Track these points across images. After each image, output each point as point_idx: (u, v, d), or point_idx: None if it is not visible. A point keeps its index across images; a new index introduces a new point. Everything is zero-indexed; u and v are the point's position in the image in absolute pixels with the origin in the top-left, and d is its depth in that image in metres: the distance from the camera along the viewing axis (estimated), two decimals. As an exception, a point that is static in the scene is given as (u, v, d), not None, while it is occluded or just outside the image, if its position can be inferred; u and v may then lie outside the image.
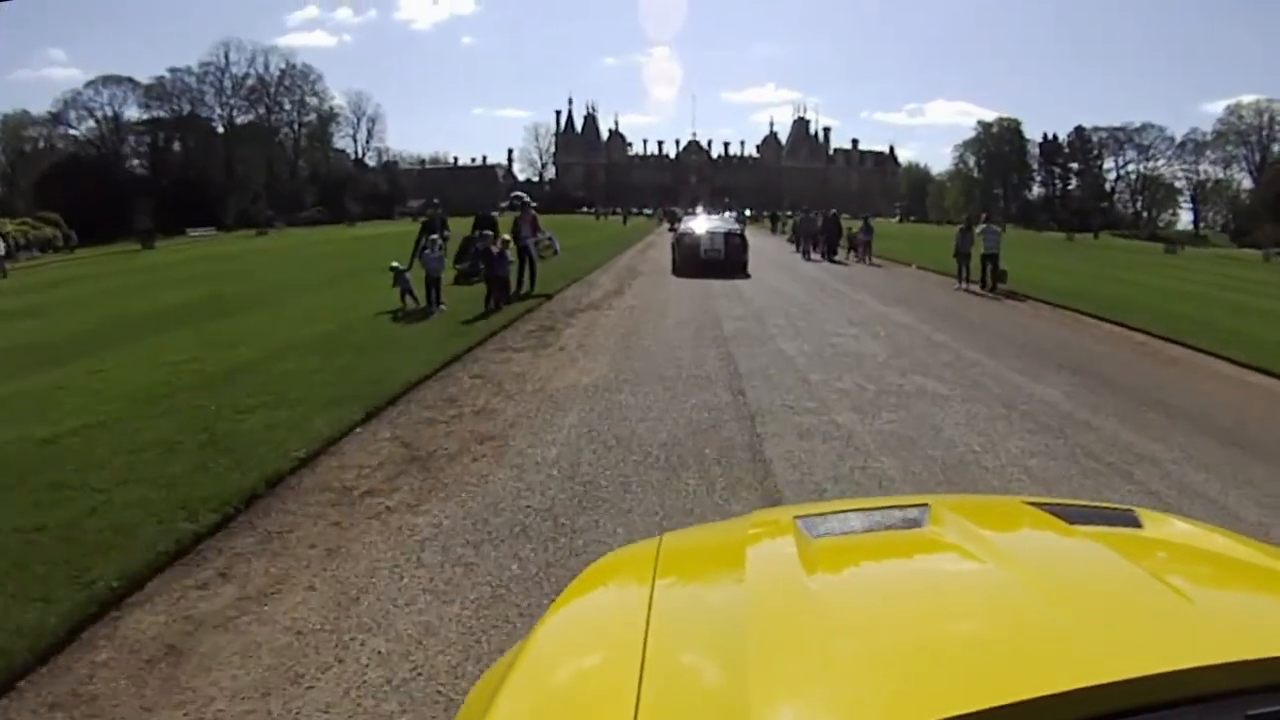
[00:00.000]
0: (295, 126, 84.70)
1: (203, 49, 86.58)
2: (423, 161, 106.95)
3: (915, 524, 1.22)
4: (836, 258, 27.38)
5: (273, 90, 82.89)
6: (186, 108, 77.48)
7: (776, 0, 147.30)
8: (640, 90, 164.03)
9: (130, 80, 73.78)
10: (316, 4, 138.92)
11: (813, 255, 28.09)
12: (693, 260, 19.88)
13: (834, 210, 30.09)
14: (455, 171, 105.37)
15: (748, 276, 19.70)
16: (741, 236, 21.49)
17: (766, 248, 32.68)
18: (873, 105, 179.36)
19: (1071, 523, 1.18)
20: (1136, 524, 1.25)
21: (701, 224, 23.04)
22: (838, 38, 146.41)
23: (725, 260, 19.93)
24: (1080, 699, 0.70)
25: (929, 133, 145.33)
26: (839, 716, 0.76)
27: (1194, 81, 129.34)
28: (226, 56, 79.87)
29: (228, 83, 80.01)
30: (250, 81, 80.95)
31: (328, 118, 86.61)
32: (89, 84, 73.70)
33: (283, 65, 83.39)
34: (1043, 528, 1.20)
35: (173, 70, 77.27)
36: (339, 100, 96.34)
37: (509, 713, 0.90)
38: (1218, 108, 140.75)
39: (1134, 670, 0.72)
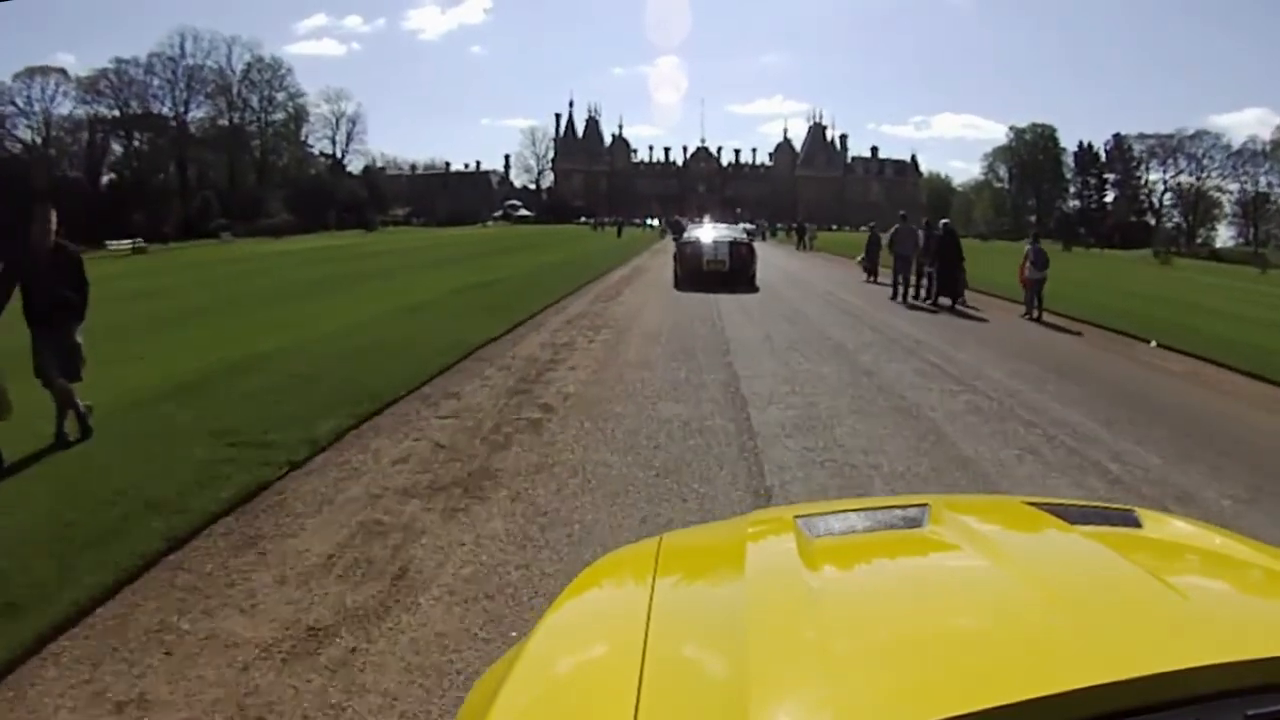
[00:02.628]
0: (262, 125, 71.92)
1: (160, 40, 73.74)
2: (413, 167, 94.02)
3: (915, 523, 1.15)
4: (952, 301, 14.31)
5: (236, 85, 70.14)
6: (134, 103, 64.91)
7: (784, 11, 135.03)
8: (647, 100, 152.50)
9: (62, 71, 61.27)
10: (325, 12, 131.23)
11: (909, 296, 15.03)
12: (695, 271, 16.55)
13: (947, 221, 16.02)
14: (446, 178, 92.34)
15: (755, 290, 16.12)
16: (749, 246, 18.12)
17: (823, 280, 19.22)
18: (879, 118, 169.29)
19: (1071, 523, 1.12)
20: (1136, 524, 1.18)
21: (707, 233, 19.32)
22: (845, 49, 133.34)
23: (730, 271, 16.65)
24: (1080, 699, 0.66)
25: (936, 145, 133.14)
26: (839, 716, 0.71)
27: (1201, 94, 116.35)
28: (182, 47, 67.25)
29: (182, 76, 67.29)
30: (208, 74, 68.27)
31: (296, 116, 73.71)
32: (17, 76, 60.81)
33: (248, 58, 70.70)
34: (1043, 528, 1.14)
35: (118, 61, 64.65)
36: (315, 98, 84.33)
37: (510, 711, 0.85)
38: (1226, 120, 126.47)
39: (1134, 670, 0.69)
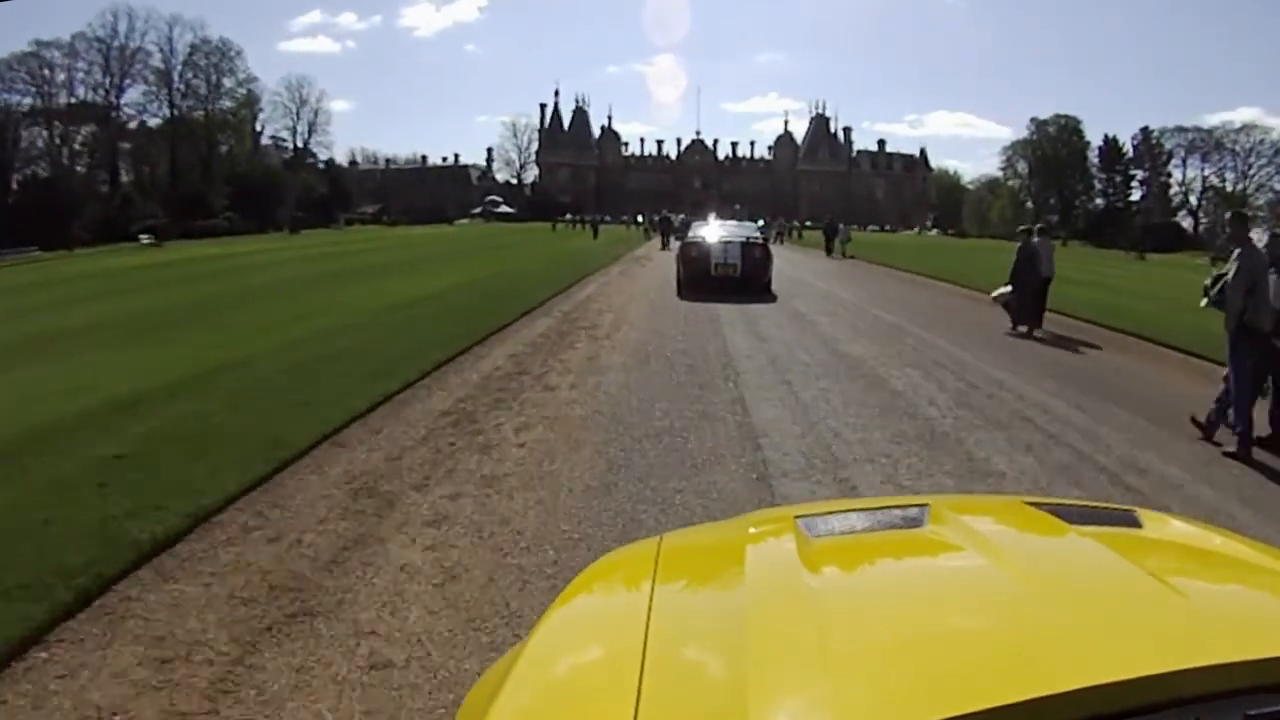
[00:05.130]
0: (208, 115, 62.01)
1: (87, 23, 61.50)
2: (388, 161, 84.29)
3: (915, 523, 1.10)
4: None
5: (178, 70, 60.35)
6: (57, 92, 55.24)
7: (779, 9, 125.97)
8: (642, 98, 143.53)
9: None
10: (321, 9, 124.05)
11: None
12: (703, 276, 13.75)
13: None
14: (423, 172, 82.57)
15: (773, 299, 12.90)
16: (763, 247, 14.80)
17: (952, 338, 7.53)
18: (874, 116, 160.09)
19: (1071, 523, 1.07)
20: (1136, 524, 1.13)
21: (713, 232, 15.46)
22: (840, 47, 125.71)
23: (742, 277, 13.78)
24: (1080, 699, 0.64)
25: (931, 144, 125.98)
26: (839, 716, 0.69)
27: (1195, 94, 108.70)
28: (115, 27, 57.49)
29: (114, 60, 57.51)
30: (145, 58, 58.45)
31: (249, 104, 63.91)
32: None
33: (191, 39, 60.88)
34: (1043, 528, 1.10)
35: (38, 44, 55.01)
36: (272, 85, 75.03)
37: (510, 711, 0.82)
38: (1218, 120, 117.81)
39: (1134, 670, 0.67)
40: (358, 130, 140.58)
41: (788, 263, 23.58)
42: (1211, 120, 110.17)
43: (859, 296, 14.86)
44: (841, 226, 31.58)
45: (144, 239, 46.17)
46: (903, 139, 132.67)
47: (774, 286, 14.36)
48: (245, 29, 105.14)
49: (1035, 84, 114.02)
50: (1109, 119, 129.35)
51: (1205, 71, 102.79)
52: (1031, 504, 1.19)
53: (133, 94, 59.04)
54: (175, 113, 60.13)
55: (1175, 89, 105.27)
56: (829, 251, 29.40)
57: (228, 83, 61.92)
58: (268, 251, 27.48)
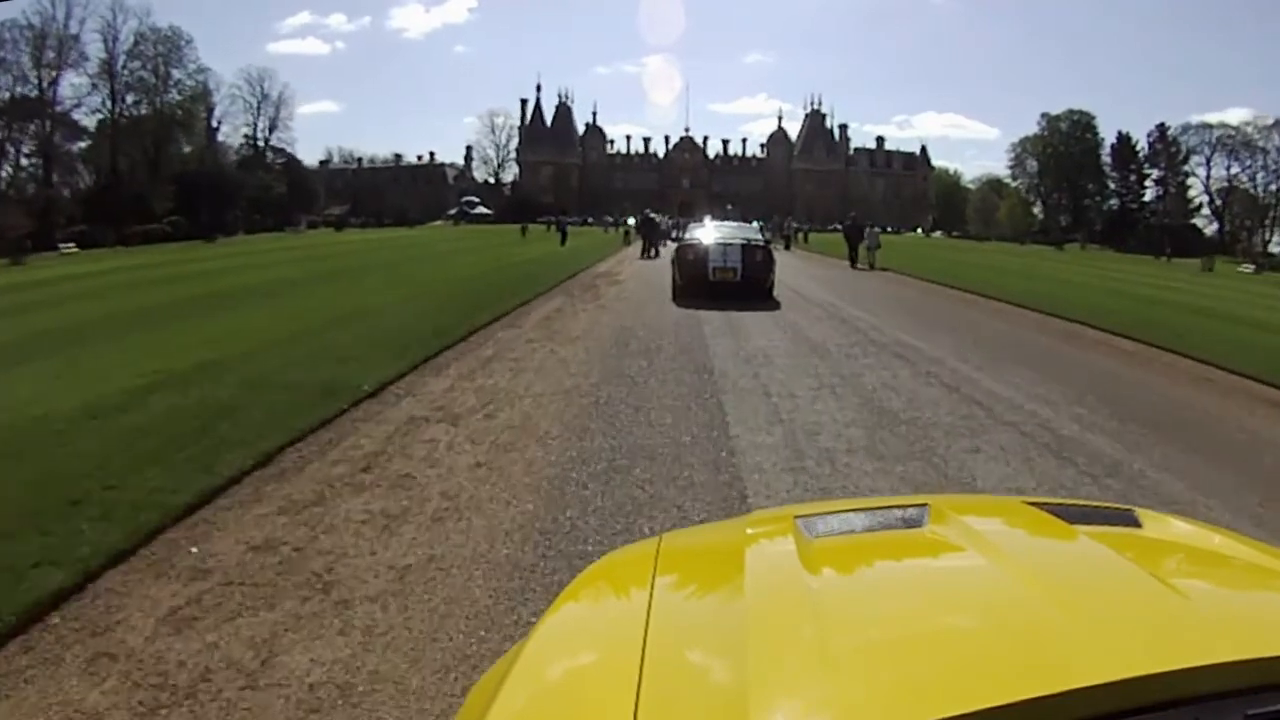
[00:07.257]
0: (156, 109, 56.59)
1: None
2: (359, 160, 79.03)
3: (915, 523, 1.09)
4: None
5: (121, 61, 54.96)
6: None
7: (768, 10, 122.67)
8: (632, 100, 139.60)
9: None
10: (310, 10, 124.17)
11: None
12: (699, 280, 12.90)
13: None
14: (397, 172, 77.31)
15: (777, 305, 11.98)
16: (765, 249, 13.78)
17: None
18: (862, 117, 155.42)
19: (1071, 522, 1.06)
20: (1136, 524, 1.12)
21: (710, 233, 14.46)
22: (829, 47, 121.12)
23: (743, 281, 12.87)
24: (1080, 699, 0.64)
25: (918, 145, 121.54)
26: (838, 716, 0.69)
27: (1186, 95, 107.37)
28: (53, 13, 52.14)
29: (51, 51, 52.15)
30: (79, 46, 53.13)
31: (199, 97, 58.52)
32: None
33: (137, 26, 55.47)
34: (1042, 527, 1.09)
35: (-35, 29, 49.74)
36: (229, 78, 69.85)
37: (509, 712, 0.81)
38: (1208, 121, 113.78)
39: (1133, 670, 0.66)
40: (346, 132, 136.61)
41: (822, 284, 17.29)
42: (1200, 120, 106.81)
43: (1018, 386, 6.90)
44: (869, 229, 24.37)
45: (67, 248, 40.90)
46: (893, 140, 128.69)
47: (834, 343, 9.24)
48: (234, 31, 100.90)
49: (1027, 84, 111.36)
50: (1104, 120, 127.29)
51: (1198, 71, 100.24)
52: (1031, 504, 1.16)
53: (67, 87, 53.60)
54: (119, 108, 54.80)
55: (1167, 90, 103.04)
56: (853, 261, 23.03)
57: (177, 74, 56.57)
58: (118, 271, 21.58)
